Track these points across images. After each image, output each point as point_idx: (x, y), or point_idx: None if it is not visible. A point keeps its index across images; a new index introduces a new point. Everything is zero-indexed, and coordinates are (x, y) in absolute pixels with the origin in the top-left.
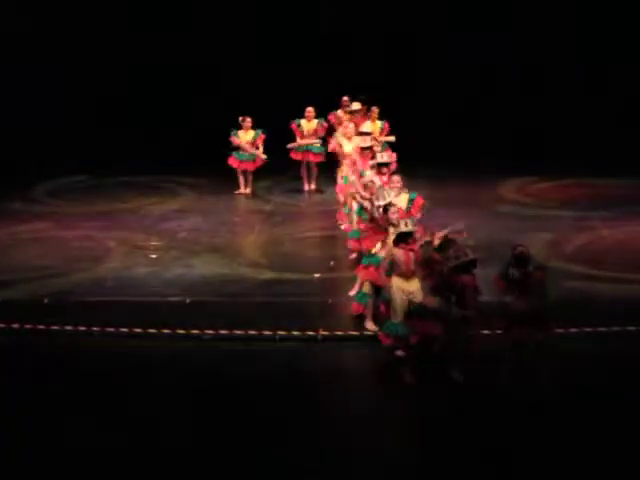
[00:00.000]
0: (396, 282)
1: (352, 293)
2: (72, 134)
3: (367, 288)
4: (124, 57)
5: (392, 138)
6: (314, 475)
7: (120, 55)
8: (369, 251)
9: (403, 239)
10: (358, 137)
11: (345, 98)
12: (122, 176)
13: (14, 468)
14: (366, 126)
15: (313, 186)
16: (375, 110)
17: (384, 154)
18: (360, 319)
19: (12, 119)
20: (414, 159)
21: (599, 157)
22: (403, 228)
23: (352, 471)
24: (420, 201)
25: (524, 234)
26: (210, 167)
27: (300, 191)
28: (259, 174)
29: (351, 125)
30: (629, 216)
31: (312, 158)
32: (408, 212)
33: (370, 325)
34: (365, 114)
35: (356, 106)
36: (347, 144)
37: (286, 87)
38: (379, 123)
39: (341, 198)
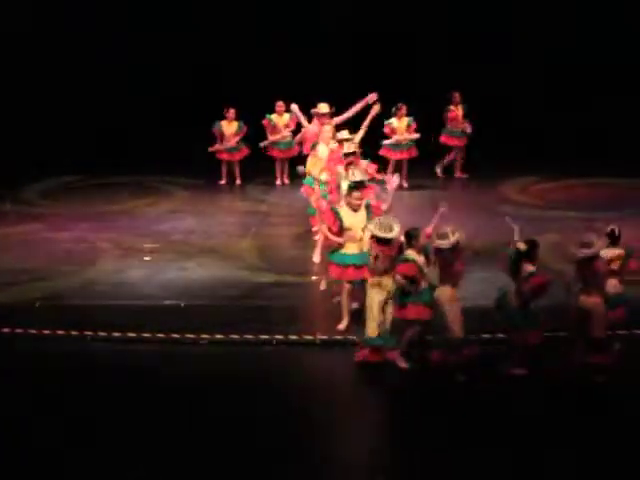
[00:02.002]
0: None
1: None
2: (65, 134)
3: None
4: (123, 57)
5: (417, 135)
6: (314, 478)
7: (119, 55)
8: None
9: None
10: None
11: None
12: (115, 177)
13: (6, 471)
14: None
15: (286, 180)
16: (403, 107)
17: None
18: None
19: (4, 118)
20: (414, 159)
21: (602, 156)
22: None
23: (351, 474)
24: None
25: (529, 235)
26: (206, 167)
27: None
28: (257, 174)
29: (328, 128)
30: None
31: (284, 154)
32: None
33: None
34: (332, 117)
35: (324, 108)
36: (324, 148)
37: (286, 86)
38: (406, 120)
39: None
